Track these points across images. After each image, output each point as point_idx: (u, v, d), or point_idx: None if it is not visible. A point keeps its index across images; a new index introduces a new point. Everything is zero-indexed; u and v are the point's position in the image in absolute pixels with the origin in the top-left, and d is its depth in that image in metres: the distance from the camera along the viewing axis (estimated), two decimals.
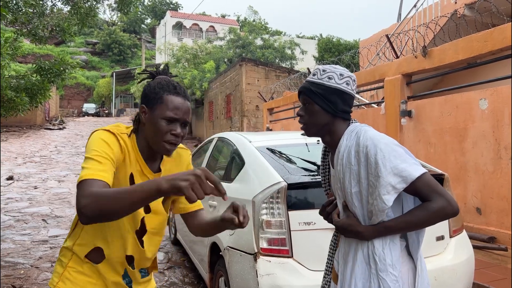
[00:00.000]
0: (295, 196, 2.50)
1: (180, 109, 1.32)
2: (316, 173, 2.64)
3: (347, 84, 1.43)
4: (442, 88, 5.95)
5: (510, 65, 4.42)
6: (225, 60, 21.80)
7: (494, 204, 4.53)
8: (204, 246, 3.32)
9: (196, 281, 4.09)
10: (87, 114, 38.60)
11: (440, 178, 2.79)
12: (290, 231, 2.41)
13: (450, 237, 2.75)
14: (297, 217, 2.43)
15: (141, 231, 1.40)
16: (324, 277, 1.64)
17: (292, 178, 2.53)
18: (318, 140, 1.54)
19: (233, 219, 1.21)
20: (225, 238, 2.79)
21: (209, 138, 4.54)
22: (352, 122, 1.47)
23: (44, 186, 9.56)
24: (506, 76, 4.54)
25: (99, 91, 41.67)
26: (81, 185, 1.13)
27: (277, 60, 21.27)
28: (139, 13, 53.05)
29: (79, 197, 1.09)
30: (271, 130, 11.51)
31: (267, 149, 3.03)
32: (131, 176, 1.35)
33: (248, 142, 3.21)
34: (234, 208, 1.25)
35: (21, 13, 5.70)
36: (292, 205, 2.46)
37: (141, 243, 1.41)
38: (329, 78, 1.42)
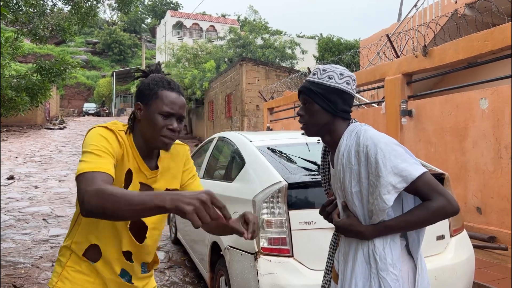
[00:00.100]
0: (296, 196, 2.50)
1: (176, 103, 1.33)
2: (316, 173, 2.64)
3: (347, 83, 1.43)
4: (443, 88, 5.95)
5: (510, 64, 4.42)
6: (226, 59, 21.81)
7: (495, 203, 4.53)
8: (204, 246, 3.32)
9: (197, 281, 4.09)
10: (88, 114, 38.63)
11: (440, 178, 2.80)
12: (290, 230, 2.41)
13: (450, 237, 2.75)
14: (298, 216, 2.43)
15: (137, 228, 1.40)
16: (324, 276, 1.64)
17: (293, 178, 2.53)
18: (319, 140, 1.55)
19: (243, 234, 1.19)
20: (225, 237, 2.79)
21: (209, 138, 4.54)
22: (352, 122, 1.47)
23: (45, 185, 9.57)
24: (507, 76, 4.54)
25: (99, 91, 41.70)
26: (81, 178, 1.12)
27: (277, 60, 21.27)
28: (139, 12, 53.04)
29: (81, 192, 1.08)
30: (271, 130, 11.51)
31: (268, 148, 3.03)
32: (129, 172, 1.35)
33: (249, 142, 3.21)
34: (246, 220, 1.23)
35: (21, 12, 5.70)
36: (293, 205, 2.46)
37: (141, 239, 1.41)
38: (329, 77, 1.42)
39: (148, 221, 1.42)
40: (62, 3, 6.33)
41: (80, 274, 1.36)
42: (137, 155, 1.37)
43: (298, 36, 40.45)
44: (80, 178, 1.12)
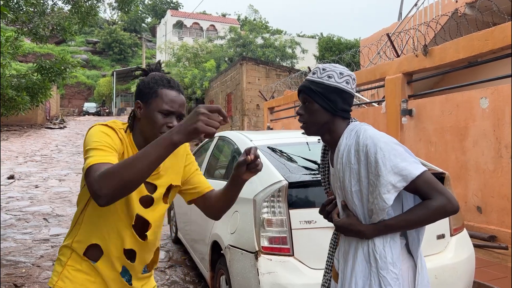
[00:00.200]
0: (296, 195, 2.50)
1: (176, 102, 1.34)
2: (317, 172, 2.64)
3: (347, 83, 1.43)
4: (443, 87, 5.95)
5: (510, 64, 4.42)
6: (226, 59, 21.81)
7: (495, 202, 4.54)
8: (205, 245, 3.33)
9: (197, 280, 4.09)
10: (88, 113, 38.62)
11: (440, 177, 2.80)
12: (291, 229, 2.42)
13: (450, 236, 2.75)
14: (298, 215, 2.43)
15: (141, 226, 1.41)
16: (324, 275, 1.64)
17: (293, 177, 2.53)
18: (319, 139, 1.55)
19: (245, 159, 1.28)
20: (226, 236, 2.80)
21: None
22: (351, 121, 1.47)
23: (45, 185, 9.57)
24: (507, 75, 4.54)
25: (99, 91, 41.70)
26: (89, 170, 1.13)
27: (277, 59, 21.27)
28: (139, 12, 53.04)
29: (91, 183, 1.09)
30: (271, 129, 11.51)
31: (268, 147, 3.03)
32: None
33: (249, 141, 3.22)
34: (246, 151, 1.31)
35: (22, 12, 5.71)
36: (293, 204, 2.46)
37: (145, 236, 1.42)
38: (329, 77, 1.42)
39: (151, 218, 1.42)
40: (62, 3, 6.33)
41: (80, 273, 1.36)
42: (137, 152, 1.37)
43: (299, 36, 40.44)
44: (88, 172, 1.13)
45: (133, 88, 28.24)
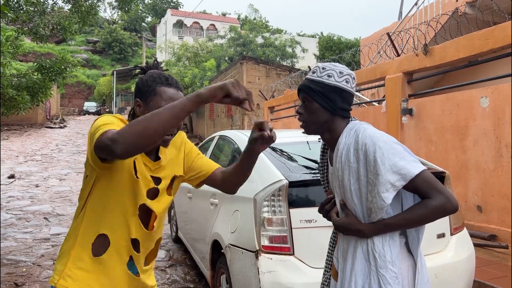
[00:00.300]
0: (296, 194, 2.51)
1: (174, 99, 1.35)
2: (317, 171, 2.65)
3: (347, 82, 1.43)
4: (443, 86, 5.95)
5: (511, 63, 4.42)
6: (226, 58, 21.82)
7: (495, 202, 4.54)
8: (205, 244, 3.33)
9: (198, 279, 4.10)
10: (88, 112, 38.62)
11: (441, 176, 2.80)
12: (291, 228, 2.42)
13: (451, 235, 2.76)
14: (298, 214, 2.43)
15: (144, 215, 1.42)
16: (323, 274, 1.64)
17: (293, 176, 2.54)
18: (319, 138, 1.55)
19: (262, 134, 1.31)
20: (226, 235, 2.80)
21: (210, 137, 4.55)
22: (351, 120, 1.47)
23: (46, 184, 9.58)
24: (507, 74, 4.54)
25: (99, 90, 41.69)
26: (103, 134, 1.15)
27: (278, 59, 21.27)
28: (139, 11, 53.03)
29: (106, 138, 1.10)
30: (272, 129, 11.49)
31: (268, 147, 3.03)
32: (134, 163, 1.37)
33: None
34: (258, 125, 1.34)
35: (22, 11, 5.71)
36: (293, 203, 2.46)
37: (151, 226, 1.44)
38: (329, 76, 1.42)
39: (157, 208, 1.44)
40: (62, 2, 6.33)
41: (83, 272, 1.35)
42: None
43: (299, 35, 40.41)
44: (101, 135, 1.15)
45: (133, 88, 28.21)
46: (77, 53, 42.05)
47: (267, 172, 2.65)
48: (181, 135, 1.58)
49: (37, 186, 9.33)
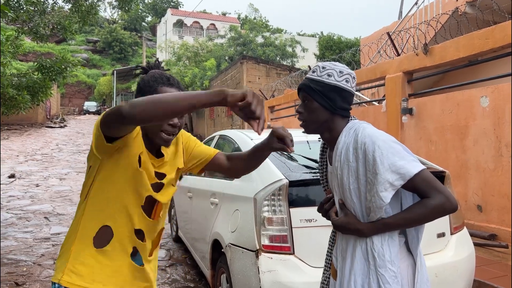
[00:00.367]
0: (297, 193, 2.51)
1: None
2: (317, 170, 2.65)
3: (347, 81, 1.43)
4: (443, 86, 5.95)
5: (511, 62, 4.42)
6: (226, 58, 21.81)
7: (495, 201, 4.54)
8: (206, 243, 3.33)
9: (198, 278, 4.10)
10: (88, 112, 38.62)
11: (441, 176, 2.80)
12: (291, 228, 2.42)
13: (451, 234, 2.76)
14: (299, 214, 2.44)
15: (148, 205, 1.43)
16: (323, 273, 1.64)
17: (294, 175, 2.54)
18: (319, 138, 1.55)
19: (284, 149, 1.36)
20: (226, 235, 2.80)
21: (210, 136, 4.55)
22: (351, 119, 1.47)
23: (46, 183, 9.59)
24: (507, 74, 4.54)
25: (100, 90, 41.68)
26: (111, 109, 1.16)
27: (278, 58, 21.27)
28: (139, 11, 53.01)
29: (118, 106, 1.10)
30: (272, 128, 11.50)
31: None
32: (139, 158, 1.38)
33: (250, 140, 3.22)
34: (277, 135, 1.41)
35: (22, 11, 5.72)
36: (294, 202, 2.47)
37: (155, 215, 1.45)
38: (329, 75, 1.42)
39: (162, 199, 1.46)
40: (62, 1, 6.33)
41: (85, 267, 1.35)
42: (142, 143, 1.39)
43: (299, 35, 40.40)
44: (108, 111, 1.16)
45: (134, 87, 28.24)
46: (77, 53, 42.04)
47: (267, 171, 2.65)
48: (182, 133, 1.60)
49: (37, 185, 9.34)
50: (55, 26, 6.11)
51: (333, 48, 21.73)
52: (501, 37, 4.41)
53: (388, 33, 6.54)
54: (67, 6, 6.48)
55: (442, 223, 2.71)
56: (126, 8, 6.69)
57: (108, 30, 47.18)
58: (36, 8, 5.90)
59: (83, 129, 23.17)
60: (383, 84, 6.62)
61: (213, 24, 42.22)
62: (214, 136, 4.32)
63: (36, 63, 5.68)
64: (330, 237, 1.64)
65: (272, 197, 2.46)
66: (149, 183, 1.40)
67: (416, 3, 8.60)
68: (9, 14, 5.20)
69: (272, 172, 2.61)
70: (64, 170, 11.54)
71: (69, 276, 1.34)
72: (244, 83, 15.48)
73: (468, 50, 4.84)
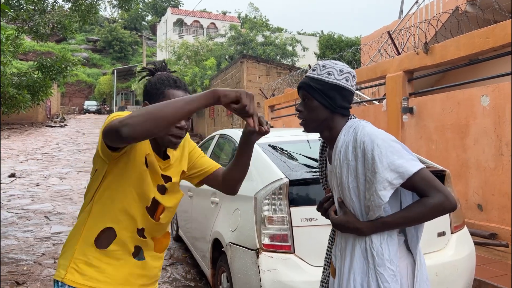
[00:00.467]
0: (297, 192, 2.51)
1: None
2: (317, 169, 2.65)
3: (347, 80, 1.43)
4: (444, 85, 5.94)
5: (511, 61, 4.41)
6: (226, 57, 21.80)
7: (496, 200, 4.54)
8: (206, 242, 3.34)
9: (198, 277, 4.11)
10: (88, 111, 38.62)
11: (441, 175, 2.80)
12: (292, 227, 2.42)
13: (451, 233, 2.76)
14: (299, 213, 2.44)
15: (153, 208, 1.43)
16: (323, 272, 1.64)
17: (294, 174, 2.54)
18: (320, 137, 1.55)
19: (257, 130, 1.29)
20: (227, 234, 2.81)
21: (210, 135, 4.55)
22: (351, 118, 1.47)
23: (46, 183, 9.59)
24: (508, 73, 4.54)
25: (100, 89, 41.67)
26: (113, 118, 1.17)
27: (278, 57, 21.26)
28: (140, 10, 52.97)
29: (115, 122, 1.11)
30: (272, 127, 11.51)
31: (269, 145, 3.04)
32: (145, 159, 1.39)
33: None
34: (249, 120, 1.35)
35: (22, 10, 5.71)
36: (294, 201, 2.47)
37: (158, 218, 1.45)
38: (329, 74, 1.42)
39: (167, 203, 1.46)
40: (62, 1, 6.34)
41: (89, 266, 1.36)
42: (149, 145, 1.40)
43: (299, 34, 40.38)
44: (111, 119, 1.17)
45: (134, 86, 28.25)
46: (77, 52, 42.02)
47: (268, 170, 2.65)
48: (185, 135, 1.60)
49: (37, 184, 9.34)
50: (55, 25, 6.11)
51: (333, 47, 21.69)
52: (502, 36, 4.41)
53: (388, 32, 6.54)
54: (67, 5, 6.48)
55: (443, 222, 2.71)
56: (126, 7, 6.69)
57: (108, 29, 47.13)
58: (36, 7, 5.90)
59: (83, 128, 23.17)
60: (383, 83, 6.61)
61: (213, 23, 42.18)
62: (214, 136, 4.32)
63: (36, 62, 5.68)
64: (330, 236, 1.64)
65: (273, 196, 2.46)
66: (155, 184, 1.41)
67: (416, 2, 8.59)
68: (9, 13, 5.19)
69: (272, 171, 2.61)
70: (65, 169, 11.54)
71: (72, 274, 1.35)
72: (244, 82, 15.48)
73: (469, 49, 4.84)
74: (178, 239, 5.24)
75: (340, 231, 1.46)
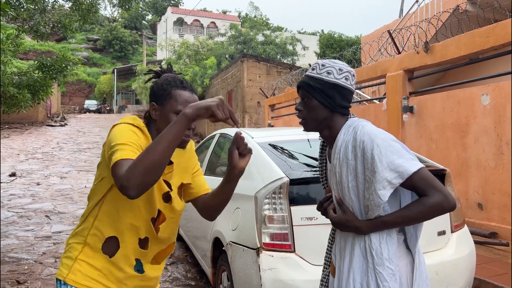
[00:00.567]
0: (297, 192, 2.51)
1: (189, 102, 1.38)
2: (317, 168, 2.65)
3: (346, 79, 1.43)
4: (444, 84, 5.94)
5: (511, 61, 4.41)
6: (227, 56, 21.78)
7: (496, 199, 4.54)
8: (206, 241, 3.34)
9: (199, 276, 4.11)
10: (89, 111, 38.61)
11: (441, 174, 2.80)
12: (292, 226, 2.43)
13: (451, 232, 2.76)
14: (299, 212, 2.44)
15: (157, 218, 1.44)
16: (323, 271, 1.65)
17: (294, 174, 2.54)
18: (320, 136, 1.55)
19: (235, 142, 1.33)
20: (227, 233, 2.81)
21: (211, 135, 4.55)
22: (350, 117, 1.47)
23: (47, 182, 9.60)
24: (508, 72, 4.53)
25: (100, 88, 41.68)
26: (116, 165, 1.17)
27: (278, 56, 21.24)
28: (140, 9, 52.95)
29: (119, 177, 1.13)
30: (272, 126, 11.51)
31: (269, 144, 3.04)
32: None
33: (251, 138, 3.22)
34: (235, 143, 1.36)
35: (22, 9, 5.72)
36: (294, 200, 2.47)
37: (157, 229, 1.45)
38: (328, 73, 1.42)
39: (168, 213, 1.45)
40: (63, 0, 6.33)
41: (92, 268, 1.37)
42: None
43: (299, 33, 40.37)
44: (115, 166, 1.17)
45: (134, 86, 28.21)
46: (77, 51, 42.03)
47: (268, 169, 2.66)
48: (192, 144, 1.60)
49: (38, 184, 9.35)
50: (56, 25, 6.11)
51: (333, 46, 21.65)
52: (502, 35, 4.41)
53: (389, 31, 6.54)
54: (68, 5, 6.48)
55: (443, 221, 2.71)
56: (127, 7, 6.69)
57: (109, 29, 47.11)
58: (36, 7, 5.90)
59: (83, 127, 23.17)
60: (384, 83, 6.61)
61: (214, 22, 42.16)
62: (214, 135, 4.32)
63: (36, 61, 5.68)
64: (330, 235, 1.64)
65: (273, 195, 2.46)
66: (160, 194, 1.42)
67: (417, 1, 8.59)
68: (9, 12, 5.19)
69: (273, 170, 2.61)
70: (65, 169, 11.54)
71: (74, 274, 1.36)
72: (244, 81, 15.48)
73: (469, 48, 4.84)
74: (178, 238, 5.25)
75: (339, 229, 1.46)
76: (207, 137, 4.73)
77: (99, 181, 1.41)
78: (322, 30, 37.34)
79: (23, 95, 5.39)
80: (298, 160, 2.84)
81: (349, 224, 1.39)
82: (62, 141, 17.71)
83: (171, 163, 1.47)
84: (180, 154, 1.53)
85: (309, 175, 2.57)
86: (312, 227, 2.42)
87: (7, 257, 4.54)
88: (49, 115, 26.85)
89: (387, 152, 1.30)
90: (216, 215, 1.58)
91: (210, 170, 3.94)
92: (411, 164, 1.30)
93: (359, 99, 8.40)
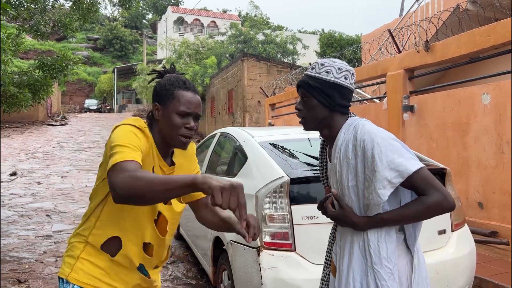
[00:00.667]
0: (298, 191, 2.51)
1: (192, 103, 1.38)
2: (318, 168, 2.65)
3: (346, 78, 1.43)
4: (445, 83, 5.94)
5: (511, 59, 4.41)
6: (227, 55, 21.77)
7: (496, 198, 4.54)
8: (207, 241, 3.34)
9: (200, 275, 4.12)
10: (89, 110, 38.62)
11: (442, 173, 2.80)
12: (292, 225, 2.43)
13: (452, 231, 2.76)
14: (300, 211, 2.44)
15: (161, 222, 1.44)
16: (323, 270, 1.65)
17: (295, 173, 2.54)
18: (320, 135, 1.56)
19: (244, 237, 1.27)
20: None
21: (211, 134, 4.55)
22: (350, 116, 1.47)
23: (47, 181, 9.61)
24: (509, 71, 4.53)
25: (100, 87, 41.69)
26: (115, 167, 1.16)
27: (279, 56, 21.23)
28: (140, 8, 52.93)
29: (115, 177, 1.12)
30: (273, 125, 11.51)
31: (270, 144, 3.04)
32: (152, 169, 1.39)
33: (251, 137, 3.22)
34: (247, 224, 1.29)
35: (23, 8, 5.72)
36: (295, 199, 2.47)
37: (162, 232, 1.45)
38: (327, 72, 1.42)
39: (168, 215, 1.46)
40: None
41: (95, 267, 1.37)
42: (157, 152, 1.41)
43: (300, 32, 40.33)
44: (112, 169, 1.16)
45: (134, 85, 28.20)
46: (78, 51, 42.03)
47: (269, 168, 2.66)
48: (193, 146, 1.60)
49: (39, 183, 9.35)
50: (56, 24, 6.11)
51: (334, 45, 21.62)
52: (503, 34, 4.40)
53: (389, 30, 6.53)
54: (68, 4, 6.49)
55: (443, 220, 2.71)
56: (127, 6, 6.70)
57: (109, 28, 47.10)
58: (36, 6, 5.90)
59: (84, 127, 23.18)
60: (384, 82, 6.61)
61: (214, 22, 42.11)
62: (215, 134, 4.33)
63: (37, 61, 5.69)
64: (330, 234, 1.64)
65: (274, 194, 2.46)
66: None
67: (417, 0, 8.58)
68: (10, 12, 5.19)
69: (273, 169, 2.62)
70: (66, 168, 11.55)
71: (77, 273, 1.36)
72: (245, 80, 15.47)
73: (470, 47, 4.83)
74: (179, 237, 5.25)
75: (337, 223, 1.46)
76: (207, 137, 4.74)
77: (101, 181, 1.41)
78: (323, 29, 37.32)
79: (23, 94, 5.40)
80: (298, 159, 2.84)
81: (346, 219, 1.39)
82: (62, 140, 17.73)
83: (173, 163, 1.47)
84: (182, 154, 1.53)
85: (310, 174, 2.57)
86: (312, 226, 2.43)
87: (8, 256, 4.54)
88: (49, 114, 26.87)
89: (387, 151, 1.30)
90: (208, 226, 1.63)
91: (211, 169, 3.95)
92: (411, 163, 1.31)
93: (360, 98, 8.40)
